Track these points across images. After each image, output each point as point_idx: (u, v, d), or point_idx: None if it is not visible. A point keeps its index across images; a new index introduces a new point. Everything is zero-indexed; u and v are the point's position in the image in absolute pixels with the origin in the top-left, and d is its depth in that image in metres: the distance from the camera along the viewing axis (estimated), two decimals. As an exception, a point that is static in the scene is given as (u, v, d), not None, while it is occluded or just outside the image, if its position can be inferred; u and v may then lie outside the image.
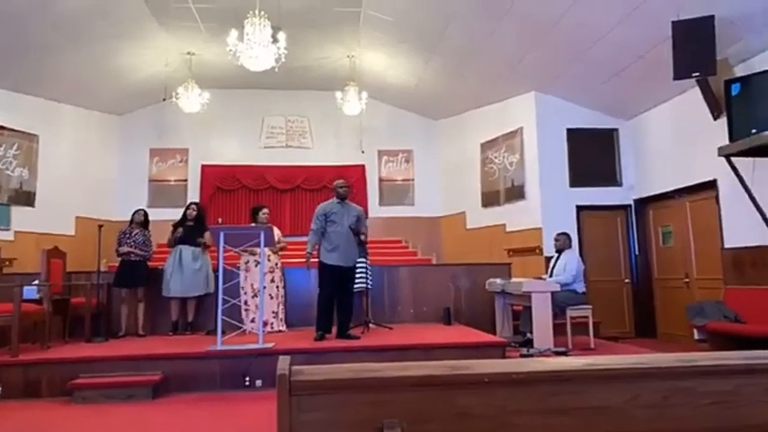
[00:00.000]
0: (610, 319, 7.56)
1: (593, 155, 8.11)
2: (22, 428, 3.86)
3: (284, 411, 1.41)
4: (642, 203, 7.97)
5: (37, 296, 5.61)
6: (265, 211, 6.45)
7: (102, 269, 6.62)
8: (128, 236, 6.31)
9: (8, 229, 7.50)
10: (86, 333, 5.94)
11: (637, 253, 8.04)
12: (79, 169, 8.75)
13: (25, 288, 5.30)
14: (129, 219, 6.56)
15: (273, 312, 6.22)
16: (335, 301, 5.56)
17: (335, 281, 5.46)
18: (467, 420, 1.52)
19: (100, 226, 6.28)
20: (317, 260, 5.61)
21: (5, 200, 7.56)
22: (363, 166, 10.18)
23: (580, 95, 7.99)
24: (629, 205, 8.11)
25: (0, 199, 7.49)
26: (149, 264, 6.49)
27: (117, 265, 6.42)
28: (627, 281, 8.04)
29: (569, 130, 8.14)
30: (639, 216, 8.03)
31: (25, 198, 7.85)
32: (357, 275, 6.21)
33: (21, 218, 7.71)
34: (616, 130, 8.21)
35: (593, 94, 7.84)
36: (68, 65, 7.57)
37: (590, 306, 6.24)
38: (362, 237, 5.69)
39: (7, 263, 6.65)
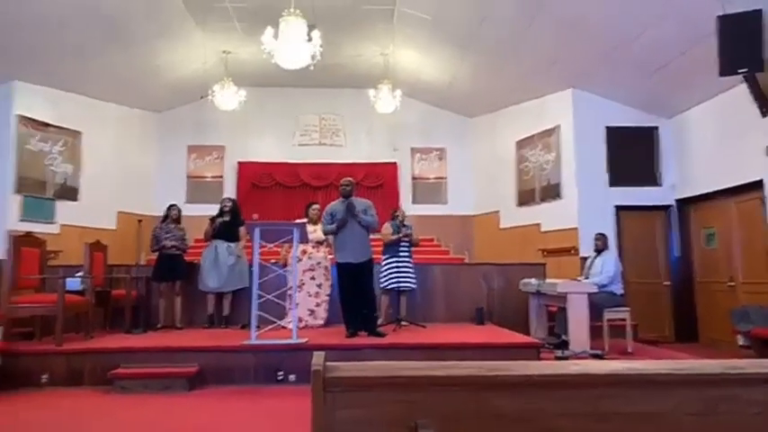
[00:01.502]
0: (648, 323, 7.37)
1: (632, 153, 7.90)
2: (67, 416, 3.99)
3: (319, 407, 1.42)
4: (684, 204, 7.73)
5: (80, 287, 5.81)
6: (315, 207, 6.56)
7: (142, 262, 6.80)
8: (166, 231, 6.46)
9: (53, 223, 7.79)
10: (126, 324, 6.12)
11: (677, 255, 7.79)
12: (120, 165, 9.00)
13: (69, 280, 5.50)
14: (164, 214, 6.70)
15: (310, 310, 6.26)
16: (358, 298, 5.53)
17: (351, 278, 5.48)
18: (503, 423, 1.50)
19: (139, 220, 6.45)
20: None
21: (51, 194, 7.85)
22: (396, 164, 10.17)
23: (619, 92, 7.79)
24: (670, 206, 7.86)
25: (46, 194, 7.78)
26: (185, 258, 6.64)
27: (155, 258, 6.57)
28: (666, 283, 7.81)
29: (608, 128, 7.94)
30: (681, 217, 7.79)
31: (69, 193, 8.13)
32: (388, 274, 6.24)
33: (65, 212, 7.98)
34: (656, 128, 7.98)
35: (633, 92, 7.64)
36: (111, 64, 7.79)
37: (628, 308, 6.09)
38: (362, 222, 5.53)
39: (53, 255, 6.88)
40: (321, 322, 6.28)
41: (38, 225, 7.23)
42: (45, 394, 4.58)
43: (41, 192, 7.72)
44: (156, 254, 6.50)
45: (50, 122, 7.91)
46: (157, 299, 6.54)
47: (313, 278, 6.34)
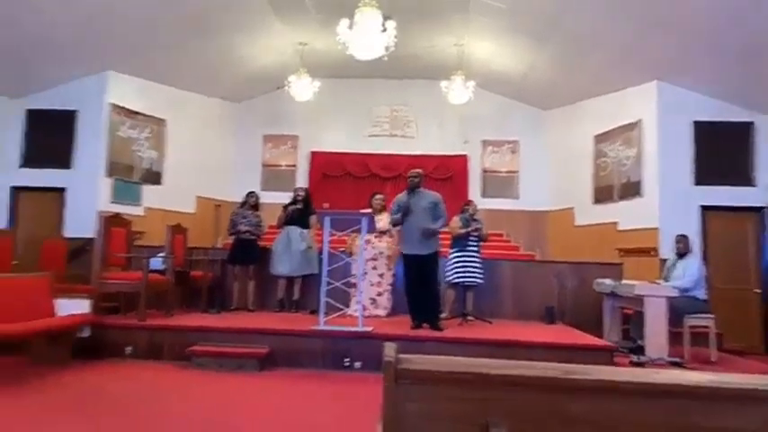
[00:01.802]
0: (735, 331, 6.87)
1: (723, 151, 7.35)
2: (147, 388, 4.25)
3: (390, 398, 1.42)
4: (780, 206, 7.14)
5: (162, 267, 6.15)
6: (378, 197, 6.62)
7: (218, 246, 7.09)
8: (242, 216, 6.73)
9: (139, 205, 8.29)
10: (203, 304, 6.43)
11: (770, 260, 7.23)
12: (200, 152, 9.41)
13: (152, 259, 5.83)
14: (243, 200, 6.97)
15: (371, 299, 6.32)
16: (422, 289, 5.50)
17: (416, 270, 5.45)
18: (576, 427, 1.44)
19: (217, 206, 6.73)
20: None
21: (138, 178, 8.35)
22: (466, 157, 10.04)
23: (710, 85, 7.26)
24: (764, 207, 7.28)
25: (133, 178, 8.28)
26: (260, 243, 6.87)
27: (231, 242, 6.84)
28: (757, 290, 7.24)
29: (696, 123, 7.44)
30: (776, 220, 7.20)
31: (154, 177, 8.62)
32: (454, 268, 6.17)
33: (150, 195, 8.47)
34: (751, 123, 7.39)
35: (726, 84, 7.09)
36: (196, 57, 8.16)
37: (712, 315, 5.72)
38: (433, 227, 5.44)
39: (138, 236, 7.31)
40: (383, 312, 6.32)
41: (126, 207, 7.71)
42: (128, 366, 4.90)
43: (129, 176, 8.22)
44: (233, 238, 6.78)
45: (139, 111, 8.39)
46: (232, 281, 6.82)
47: (375, 267, 6.38)
